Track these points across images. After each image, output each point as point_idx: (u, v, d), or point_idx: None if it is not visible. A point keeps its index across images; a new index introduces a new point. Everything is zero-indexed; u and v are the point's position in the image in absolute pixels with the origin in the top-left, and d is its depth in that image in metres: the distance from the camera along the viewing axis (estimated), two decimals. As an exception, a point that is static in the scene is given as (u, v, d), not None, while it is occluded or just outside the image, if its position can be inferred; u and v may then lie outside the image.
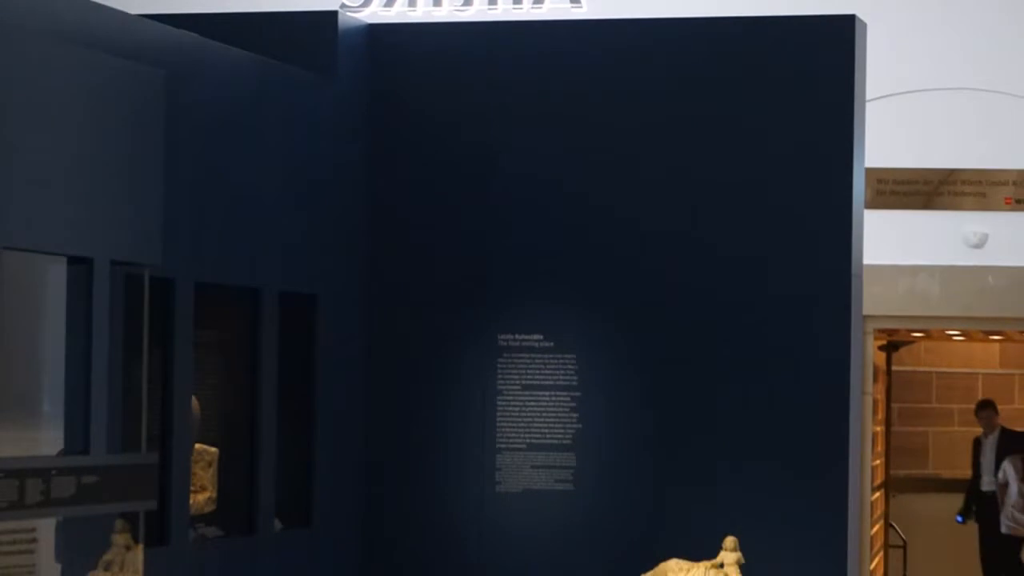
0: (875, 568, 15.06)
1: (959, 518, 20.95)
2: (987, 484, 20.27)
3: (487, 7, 12.78)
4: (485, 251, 10.32)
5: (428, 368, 10.37)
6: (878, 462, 15.26)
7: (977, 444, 20.60)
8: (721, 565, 9.73)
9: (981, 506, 20.54)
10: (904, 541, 19.26)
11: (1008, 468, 18.71)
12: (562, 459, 10.22)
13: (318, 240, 10.01)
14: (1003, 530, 18.88)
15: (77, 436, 7.55)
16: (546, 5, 12.71)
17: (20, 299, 7.28)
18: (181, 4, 10.35)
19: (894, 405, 19.50)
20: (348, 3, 12.36)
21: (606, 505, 10.12)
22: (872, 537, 13.85)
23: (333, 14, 10.51)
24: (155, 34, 8.73)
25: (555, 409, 10.24)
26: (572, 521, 10.13)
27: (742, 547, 9.70)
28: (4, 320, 6.98)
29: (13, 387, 7.19)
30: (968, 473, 20.93)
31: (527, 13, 12.70)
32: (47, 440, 7.58)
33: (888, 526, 18.02)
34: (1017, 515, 17.48)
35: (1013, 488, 18.40)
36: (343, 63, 10.26)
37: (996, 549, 19.57)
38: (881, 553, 16.24)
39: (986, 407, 20.35)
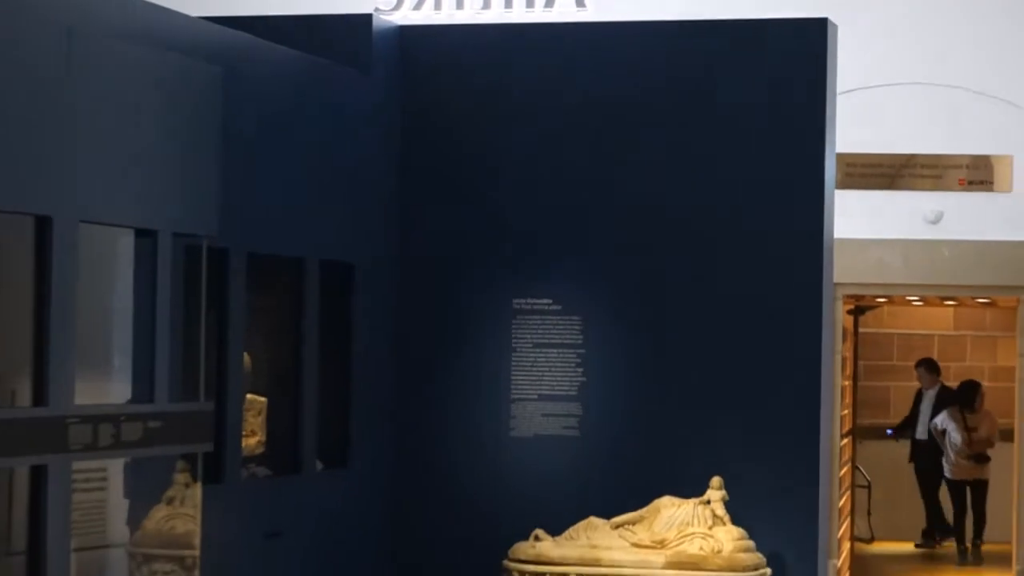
0: (843, 505, 15.06)
1: (889, 431, 21.22)
2: (921, 433, 20.39)
3: (503, 10, 12.76)
4: (501, 227, 10.35)
5: (451, 328, 10.41)
6: (846, 412, 15.26)
7: (918, 395, 20.66)
8: (708, 502, 9.74)
9: (917, 452, 20.67)
10: (868, 481, 19.34)
11: (947, 420, 18.69)
12: (568, 408, 10.25)
13: (355, 215, 10.04)
14: (947, 475, 18.93)
15: (143, 387, 7.61)
16: (556, 7, 12.66)
17: (94, 267, 7.31)
18: (234, 8, 10.29)
19: (860, 362, 19.54)
20: (381, 7, 12.30)
21: (606, 449, 10.15)
22: (841, 478, 13.82)
23: (368, 16, 10.51)
24: (213, 35, 8.77)
25: (562, 365, 10.26)
26: (577, 463, 10.15)
27: (726, 486, 9.74)
28: (80, 285, 7.00)
29: (88, 344, 7.18)
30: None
31: (539, 15, 12.67)
32: (117, 390, 7.63)
33: (855, 468, 18.04)
34: (961, 461, 17.45)
35: (955, 437, 18.40)
36: (377, 60, 10.26)
37: (935, 489, 19.74)
38: (849, 492, 16.22)
39: (921, 364, 20.43)
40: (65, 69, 6.89)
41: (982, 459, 17.20)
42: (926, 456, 20.56)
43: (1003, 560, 16.19)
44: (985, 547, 18.35)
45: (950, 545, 18.95)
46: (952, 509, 18.92)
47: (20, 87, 6.64)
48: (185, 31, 8.46)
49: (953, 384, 20.37)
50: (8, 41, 6.60)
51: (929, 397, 20.49)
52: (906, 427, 20.91)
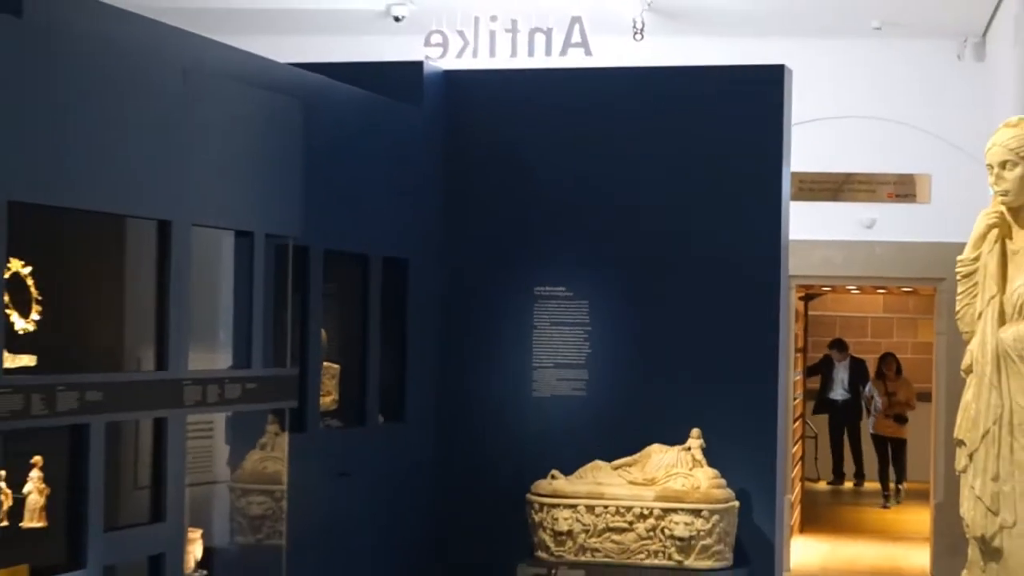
0: (796, 451, 15.01)
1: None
2: (838, 394, 20.44)
3: (527, 57, 12.71)
4: (526, 230, 10.38)
5: (485, 311, 10.45)
6: (798, 378, 15.20)
7: (829, 361, 20.55)
8: (689, 448, 9.78)
9: (832, 410, 20.64)
10: (815, 433, 19.29)
11: (871, 387, 18.58)
12: (578, 374, 10.29)
13: (408, 221, 10.06)
14: (871, 431, 18.80)
15: (242, 356, 7.71)
16: (568, 55, 12.63)
17: (204, 261, 7.41)
18: (312, 55, 10.30)
19: (809, 338, 19.46)
20: (430, 56, 12.26)
21: (608, 406, 10.19)
22: (793, 430, 13.79)
23: (420, 63, 10.51)
24: (296, 76, 8.85)
25: (573, 339, 10.29)
26: (584, 417, 10.20)
27: (703, 436, 9.79)
28: (193, 275, 7.12)
29: (199, 322, 7.26)
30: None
31: (555, 61, 12.62)
32: (222, 358, 7.74)
33: (804, 423, 17.98)
34: (882, 420, 17.28)
35: (877, 401, 18.28)
36: (427, 96, 10.29)
37: (841, 443, 19.76)
38: (800, 441, 16.20)
39: (833, 345, 20.50)
40: (181, 102, 7.04)
41: (900, 420, 16.97)
42: (838, 413, 20.81)
43: (923, 496, 16.09)
44: (907, 485, 18.39)
45: (873, 484, 18.80)
46: (877, 460, 18.90)
47: (146, 117, 6.83)
48: (274, 73, 8.56)
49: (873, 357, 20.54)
50: (137, 80, 6.77)
51: (842, 367, 20.64)
52: (826, 404, 20.93)
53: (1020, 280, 4.73)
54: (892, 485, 18.45)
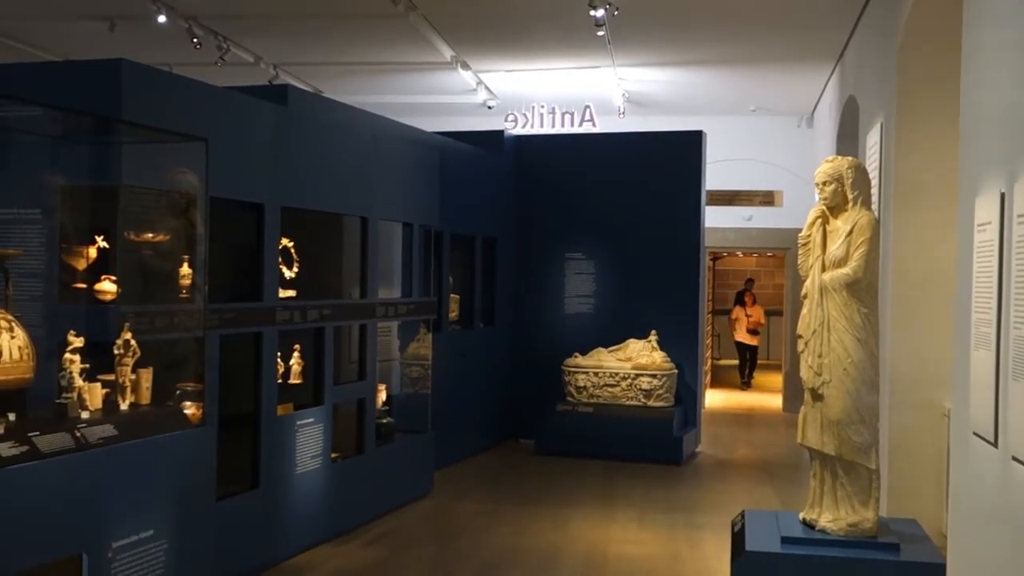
0: (708, 343, 14.90)
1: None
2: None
3: (571, 127, 12.63)
4: (560, 222, 10.31)
5: (539, 265, 10.40)
6: (709, 302, 15.11)
7: (740, 295, 19.76)
8: (650, 340, 9.74)
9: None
10: (719, 333, 19.02)
11: (736, 310, 16.91)
12: (588, 300, 10.29)
13: (497, 217, 10.04)
14: (735, 340, 16.75)
15: (407, 290, 7.68)
16: (598, 124, 12.58)
17: (387, 239, 7.40)
18: (442, 126, 10.31)
19: (717, 282, 19.26)
20: (507, 127, 12.20)
21: (604, 316, 10.16)
22: (707, 331, 13.72)
23: (502, 131, 10.51)
24: (434, 138, 8.82)
25: (585, 281, 10.28)
26: (592, 323, 10.16)
27: (658, 333, 9.74)
28: (380, 249, 7.10)
29: (384, 272, 7.28)
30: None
31: (576, 129, 12.53)
32: (396, 292, 7.67)
33: (712, 326, 17.71)
34: (743, 333, 15.86)
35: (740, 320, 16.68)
36: (506, 149, 10.28)
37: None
38: (709, 337, 16.05)
39: (748, 284, 19.75)
40: (372, 153, 7.00)
41: (754, 333, 15.94)
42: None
43: (776, 368, 15.96)
44: (767, 361, 17.95)
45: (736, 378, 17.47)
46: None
47: (354, 161, 6.78)
48: (423, 137, 8.57)
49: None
50: (350, 141, 6.76)
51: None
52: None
53: (833, 247, 4.70)
54: (747, 377, 15.87)
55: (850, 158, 4.76)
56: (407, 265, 7.67)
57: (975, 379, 3.62)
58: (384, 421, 7.22)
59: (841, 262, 4.55)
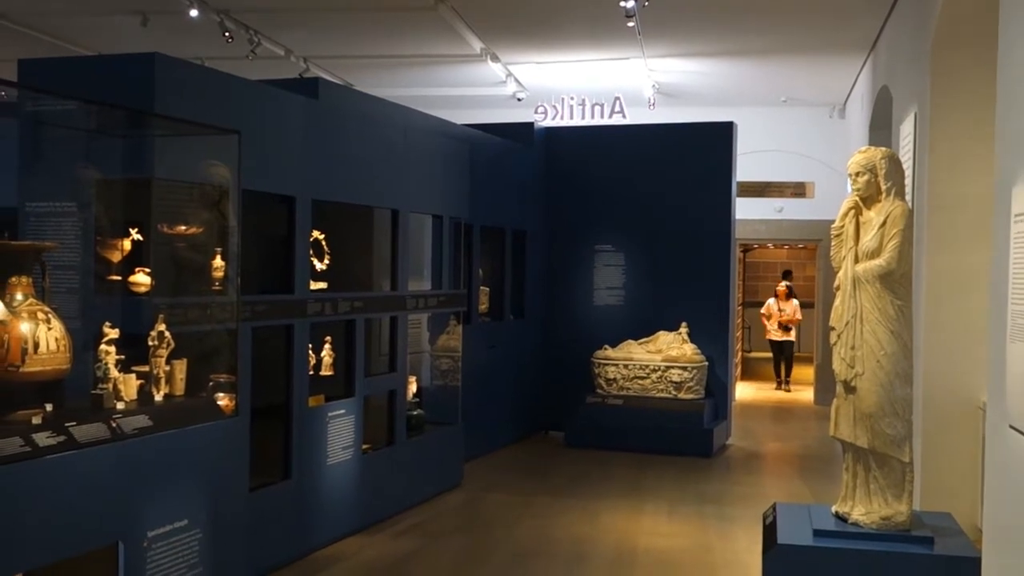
0: (739, 335, 14.86)
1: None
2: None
3: (600, 118, 12.64)
4: (589, 214, 10.30)
5: (569, 257, 10.38)
6: (740, 294, 15.02)
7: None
8: (680, 333, 9.72)
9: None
10: (749, 325, 18.88)
11: (768, 305, 16.42)
12: (618, 292, 10.26)
13: (527, 209, 10.03)
14: (767, 337, 16.29)
15: (437, 282, 7.67)
16: (627, 115, 12.57)
17: (417, 231, 7.41)
18: (474, 119, 10.30)
19: (748, 274, 19.16)
20: (537, 119, 12.21)
21: (634, 309, 10.13)
22: (737, 323, 13.66)
23: (531, 123, 10.47)
24: (464, 131, 8.79)
25: (615, 273, 10.25)
26: (622, 316, 10.14)
27: (689, 326, 9.71)
28: (410, 241, 7.10)
29: (415, 263, 7.29)
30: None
31: (606, 121, 12.51)
32: (426, 284, 7.67)
33: (743, 319, 17.62)
34: (776, 330, 15.45)
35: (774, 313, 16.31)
36: (536, 142, 10.25)
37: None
38: (740, 330, 15.94)
39: (786, 276, 19.51)
40: (403, 146, 7.01)
41: (787, 329, 15.39)
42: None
43: (809, 360, 15.74)
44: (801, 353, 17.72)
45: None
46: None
47: (385, 154, 6.81)
48: (454, 130, 8.53)
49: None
50: (381, 134, 6.76)
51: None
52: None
53: (867, 238, 4.65)
54: (783, 376, 14.82)
55: (884, 148, 4.71)
56: (437, 257, 7.65)
57: (1011, 371, 3.56)
58: (415, 413, 7.22)
59: (874, 253, 4.51)
